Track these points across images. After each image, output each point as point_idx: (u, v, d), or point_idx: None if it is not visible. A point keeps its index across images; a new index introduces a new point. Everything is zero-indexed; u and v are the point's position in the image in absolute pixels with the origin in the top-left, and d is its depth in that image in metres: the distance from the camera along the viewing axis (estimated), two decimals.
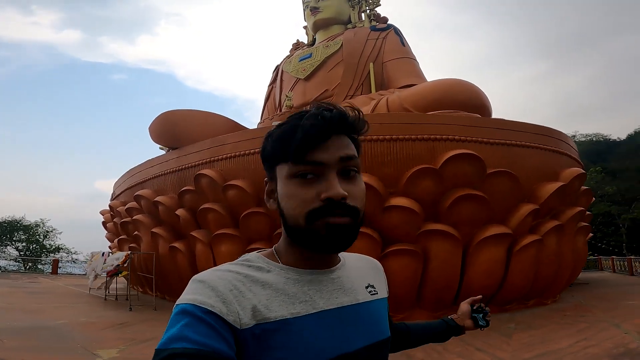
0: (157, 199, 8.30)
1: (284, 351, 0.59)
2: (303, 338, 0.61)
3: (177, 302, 0.59)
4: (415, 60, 11.12)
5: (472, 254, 5.74)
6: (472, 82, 7.81)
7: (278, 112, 11.85)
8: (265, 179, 0.73)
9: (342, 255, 0.78)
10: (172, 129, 8.57)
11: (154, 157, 9.57)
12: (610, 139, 37.49)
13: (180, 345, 0.52)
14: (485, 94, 7.90)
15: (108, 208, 12.69)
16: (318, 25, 12.52)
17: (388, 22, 12.07)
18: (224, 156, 7.05)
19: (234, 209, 6.93)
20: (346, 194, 0.62)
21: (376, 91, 9.98)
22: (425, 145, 5.75)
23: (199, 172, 7.21)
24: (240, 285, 0.61)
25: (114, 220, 11.76)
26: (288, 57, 13.03)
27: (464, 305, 1.10)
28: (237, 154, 6.86)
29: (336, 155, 0.64)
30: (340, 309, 0.67)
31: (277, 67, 13.17)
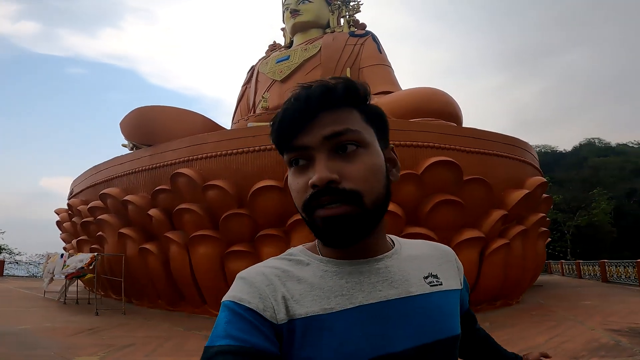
0: (127, 197, 7.93)
1: (313, 349, 0.55)
2: (336, 336, 0.56)
3: (222, 299, 0.59)
4: (391, 67, 11.46)
5: None
6: (446, 92, 8.19)
7: (252, 113, 11.73)
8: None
9: (400, 241, 0.71)
10: (147, 125, 8.24)
11: (122, 154, 9.15)
12: (557, 150, 40.54)
13: (224, 343, 0.52)
14: (457, 103, 8.32)
15: (66, 206, 11.94)
16: (297, 27, 12.56)
17: (366, 29, 12.33)
18: (204, 155, 6.89)
19: (213, 210, 6.78)
20: (334, 176, 0.54)
21: None
22: (409, 152, 5.96)
23: (176, 171, 6.98)
24: (276, 280, 0.59)
25: (73, 219, 11.09)
26: (264, 58, 12.95)
27: (534, 355, 0.89)
28: (218, 153, 6.73)
29: (318, 135, 0.57)
30: (384, 303, 0.59)
31: (253, 68, 13.04)
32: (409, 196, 5.83)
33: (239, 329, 0.53)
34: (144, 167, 7.94)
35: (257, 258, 6.36)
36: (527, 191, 7.24)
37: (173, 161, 7.22)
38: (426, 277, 0.65)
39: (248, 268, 0.62)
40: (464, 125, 7.84)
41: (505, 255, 6.55)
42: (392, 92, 9.98)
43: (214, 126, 8.70)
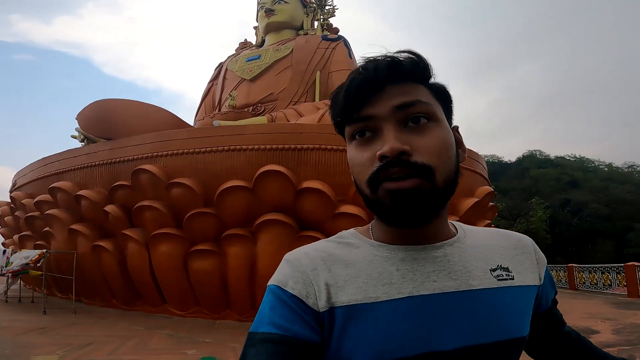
0: (81, 192, 7.57)
1: (352, 342, 0.52)
2: (378, 328, 0.52)
3: (268, 283, 0.59)
4: None
5: None
6: None
7: (218, 110, 11.60)
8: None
9: (465, 228, 0.66)
10: (108, 118, 7.91)
11: (76, 147, 8.70)
12: (503, 161, 43.47)
13: (267, 330, 0.52)
14: None
15: (8, 199, 11.07)
16: (271, 27, 12.56)
17: (339, 34, 12.59)
18: (170, 152, 6.78)
19: (177, 208, 6.69)
20: (405, 147, 0.52)
21: (320, 100, 10.39)
22: None
23: (138, 167, 6.80)
24: (321, 264, 0.57)
25: (15, 213, 10.32)
26: (234, 55, 12.83)
27: None
28: (185, 151, 6.65)
29: (388, 105, 0.54)
30: (438, 295, 0.54)
31: (221, 65, 12.87)
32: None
33: (282, 316, 0.53)
34: (101, 162, 7.62)
35: (222, 257, 6.37)
36: (476, 199, 7.87)
37: (135, 157, 7.02)
38: (493, 270, 0.59)
39: (296, 249, 0.61)
40: None
41: None
42: None
43: (180, 123, 8.54)
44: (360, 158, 0.56)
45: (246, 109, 10.39)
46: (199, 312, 6.82)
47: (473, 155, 8.75)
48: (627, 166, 41.03)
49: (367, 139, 0.56)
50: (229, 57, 12.88)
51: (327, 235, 5.52)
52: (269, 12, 12.35)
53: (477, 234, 0.65)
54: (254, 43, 13.69)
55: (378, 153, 0.52)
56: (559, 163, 40.28)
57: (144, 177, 6.78)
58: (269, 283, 0.58)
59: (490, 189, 8.81)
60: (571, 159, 43.17)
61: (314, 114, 8.86)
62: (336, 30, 12.98)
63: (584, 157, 43.56)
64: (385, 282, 0.55)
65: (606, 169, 40.86)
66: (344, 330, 0.53)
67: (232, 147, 6.34)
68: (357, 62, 0.56)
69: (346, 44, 11.76)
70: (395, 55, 0.56)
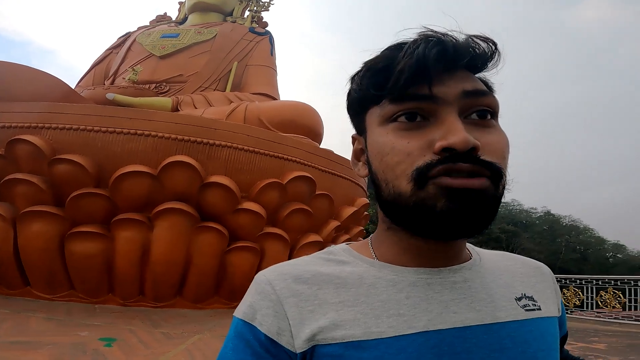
0: None
1: None
2: None
3: (235, 312, 0.50)
4: (276, 72, 12.12)
5: (296, 254, 7.23)
6: (317, 111, 9.55)
7: (111, 81, 10.65)
8: (353, 135, 0.57)
9: (477, 250, 0.57)
10: None
11: None
12: None
13: None
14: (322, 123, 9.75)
15: None
16: (198, 7, 11.95)
17: (267, 29, 12.55)
18: (61, 126, 6.22)
19: (60, 186, 6.18)
20: (478, 143, 0.43)
21: (231, 90, 10.50)
22: (278, 163, 6.92)
23: (18, 137, 6.07)
24: (304, 288, 0.47)
25: None
26: (147, 28, 11.82)
27: None
28: (80, 127, 6.19)
29: (459, 87, 0.45)
30: (459, 330, 0.45)
31: (128, 34, 11.72)
32: (272, 201, 6.77)
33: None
34: None
35: (110, 241, 6.15)
36: (355, 208, 9.19)
37: (16, 124, 6.23)
38: (519, 299, 0.51)
39: (270, 268, 0.52)
40: (327, 148, 9.29)
41: None
42: (271, 95, 10.76)
43: (70, 92, 7.73)
44: (404, 145, 0.45)
45: (148, 86, 9.84)
46: (73, 295, 6.42)
47: None
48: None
49: (417, 123, 0.46)
50: (140, 29, 11.86)
51: (228, 227, 6.05)
52: None
53: (491, 256, 0.58)
54: (174, 19, 12.89)
55: (442, 143, 0.43)
56: None
57: (23, 148, 6.08)
58: (234, 314, 0.48)
59: (367, 200, 10.31)
60: None
61: (224, 105, 9.06)
62: (265, 25, 12.88)
63: None
64: (392, 312, 0.45)
65: None
66: None
67: (138, 131, 6.20)
68: (415, 30, 0.46)
69: (271, 40, 11.88)
70: (471, 36, 0.48)
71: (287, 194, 6.93)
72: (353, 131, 0.60)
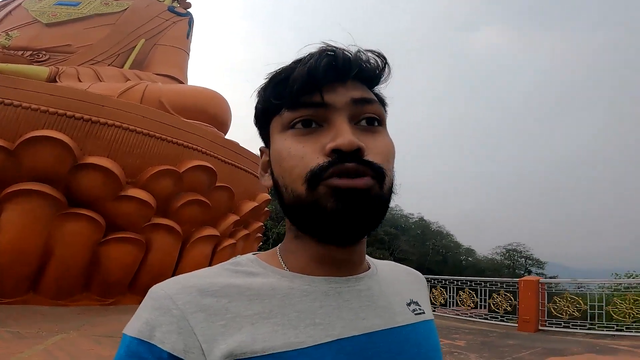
0: None
1: None
2: None
3: (124, 329, 0.44)
4: (188, 55, 11.18)
5: (189, 248, 6.78)
6: (226, 99, 9.11)
7: None
8: (260, 147, 0.59)
9: (371, 260, 0.60)
10: None
11: None
12: None
13: None
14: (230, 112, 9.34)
15: None
16: None
17: (188, 10, 11.62)
18: None
19: None
20: (362, 144, 0.45)
21: (130, 68, 9.42)
22: (176, 149, 6.38)
23: None
24: (211, 301, 0.44)
25: None
26: None
27: None
28: None
29: (347, 96, 0.48)
30: (369, 335, 0.47)
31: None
32: (165, 189, 6.24)
33: None
34: None
35: None
36: (256, 204, 9.04)
37: None
38: (409, 304, 0.56)
39: (171, 279, 0.47)
40: (231, 139, 8.93)
41: (230, 251, 7.93)
42: (177, 78, 9.93)
43: None
44: (299, 150, 0.47)
45: (22, 53, 8.33)
46: None
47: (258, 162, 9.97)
48: None
49: (312, 129, 0.48)
50: None
51: (106, 216, 5.37)
52: None
53: (382, 266, 0.61)
54: None
55: (330, 145, 0.45)
56: None
57: None
58: (124, 331, 0.44)
59: (268, 196, 10.23)
60: None
61: (119, 82, 8.10)
62: (187, 5, 12.02)
63: None
64: (309, 322, 0.45)
65: None
66: None
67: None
68: (316, 45, 0.49)
69: (190, 23, 11.08)
70: (364, 50, 0.51)
71: (184, 184, 6.45)
72: None
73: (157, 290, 0.45)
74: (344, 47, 0.50)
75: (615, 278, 13.19)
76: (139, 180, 5.99)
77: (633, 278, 12.60)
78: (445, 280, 10.26)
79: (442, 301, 10.14)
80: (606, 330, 6.87)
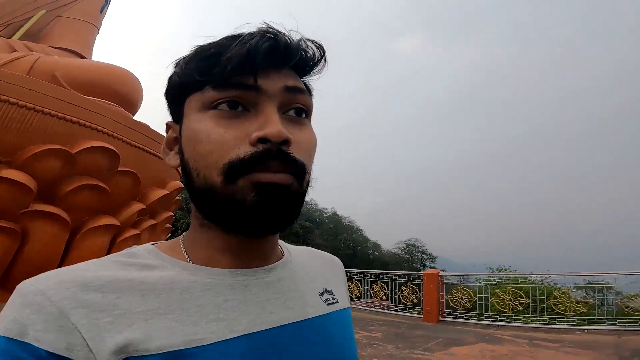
0: None
1: None
2: None
3: None
4: (98, 31, 9.64)
5: (79, 239, 5.84)
6: (137, 78, 8.07)
7: None
8: (167, 122, 0.53)
9: (287, 247, 0.58)
10: None
11: None
12: None
13: None
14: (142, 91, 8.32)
15: None
16: None
17: None
18: None
19: None
20: (290, 136, 0.44)
21: (20, 39, 7.84)
22: (69, 127, 5.44)
23: None
24: (99, 297, 0.39)
25: None
26: None
27: None
28: None
29: (280, 83, 0.46)
30: (277, 330, 0.45)
31: None
32: (51, 172, 5.29)
33: None
34: None
35: None
36: (166, 192, 8.25)
37: None
38: (322, 294, 0.54)
39: (45, 274, 0.41)
40: (142, 121, 7.99)
41: (133, 243, 7.11)
42: (78, 52, 8.52)
43: None
44: (219, 134, 0.43)
45: None
46: None
47: None
48: None
49: (237, 113, 0.45)
50: None
51: None
52: None
53: (298, 252, 0.59)
54: None
55: (258, 133, 0.42)
56: None
57: None
58: None
59: (181, 184, 9.44)
60: None
61: (4, 52, 6.76)
62: None
63: None
64: (212, 317, 0.42)
65: None
66: None
67: None
68: (256, 24, 0.46)
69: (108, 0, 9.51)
70: (305, 39, 0.48)
71: (77, 166, 5.53)
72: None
73: (27, 286, 0.39)
74: (286, 32, 0.47)
75: (489, 272, 15.17)
76: (15, 160, 4.98)
77: (504, 272, 14.38)
78: (360, 273, 10.61)
79: (358, 294, 10.47)
80: (491, 321, 7.71)
